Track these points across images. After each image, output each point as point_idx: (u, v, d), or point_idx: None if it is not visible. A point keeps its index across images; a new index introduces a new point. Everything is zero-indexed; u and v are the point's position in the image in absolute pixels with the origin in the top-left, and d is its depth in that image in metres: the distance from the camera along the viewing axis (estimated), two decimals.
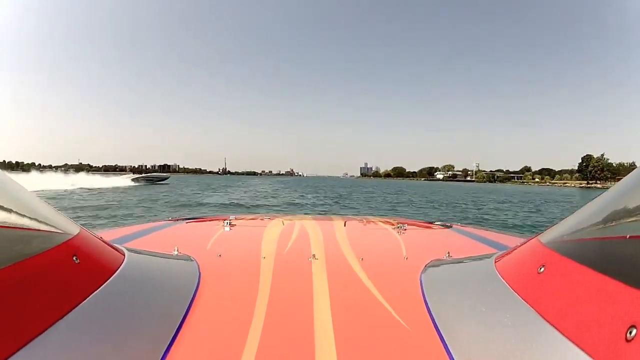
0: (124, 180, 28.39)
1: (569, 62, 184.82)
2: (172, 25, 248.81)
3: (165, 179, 34.38)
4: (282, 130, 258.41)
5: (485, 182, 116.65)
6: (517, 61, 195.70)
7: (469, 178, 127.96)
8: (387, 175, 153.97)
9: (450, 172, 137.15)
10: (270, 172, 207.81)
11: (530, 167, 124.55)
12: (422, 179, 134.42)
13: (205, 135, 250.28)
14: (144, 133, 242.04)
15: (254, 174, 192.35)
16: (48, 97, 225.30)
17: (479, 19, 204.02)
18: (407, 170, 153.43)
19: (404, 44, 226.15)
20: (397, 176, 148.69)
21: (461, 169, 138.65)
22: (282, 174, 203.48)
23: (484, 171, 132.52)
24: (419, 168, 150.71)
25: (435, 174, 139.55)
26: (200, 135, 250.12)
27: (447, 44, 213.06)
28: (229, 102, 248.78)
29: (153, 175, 34.88)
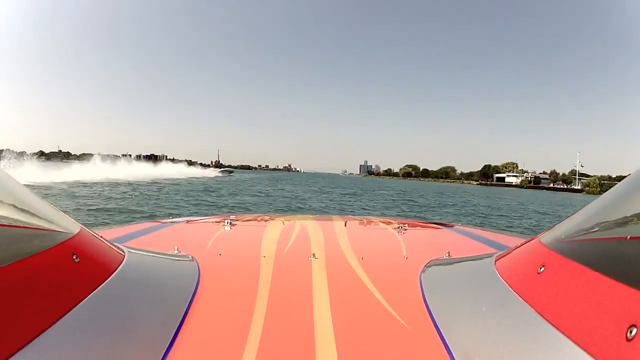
0: (214, 172, 46.24)
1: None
2: (163, 13, 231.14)
3: (232, 172, 57.60)
4: (280, 126, 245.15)
5: (598, 192, 78.14)
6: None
7: (556, 185, 78.48)
8: (407, 174, 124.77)
9: (530, 176, 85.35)
10: (267, 166, 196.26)
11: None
12: (473, 182, 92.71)
13: (197, 126, 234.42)
14: (127, 119, 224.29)
15: (249, 168, 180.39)
16: (16, 76, 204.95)
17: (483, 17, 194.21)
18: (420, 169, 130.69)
19: (406, 41, 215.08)
20: (420, 176, 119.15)
21: (518, 169, 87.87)
22: (280, 169, 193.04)
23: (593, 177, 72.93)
24: (426, 167, 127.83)
25: (500, 175, 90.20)
26: (192, 126, 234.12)
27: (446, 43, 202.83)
28: (224, 95, 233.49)
29: (228, 169, 61.00)
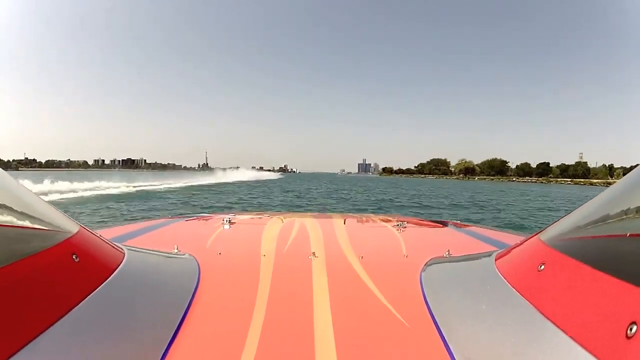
0: (277, 175, 76.03)
1: None
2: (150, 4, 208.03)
3: (284, 173, 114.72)
4: (274, 126, 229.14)
5: None
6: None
7: None
8: (468, 170, 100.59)
9: None
10: (262, 168, 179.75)
11: None
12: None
13: (181, 128, 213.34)
14: (103, 123, 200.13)
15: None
16: None
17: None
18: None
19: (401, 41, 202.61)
20: (498, 173, 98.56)
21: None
22: (276, 170, 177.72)
23: None
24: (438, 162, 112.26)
25: None
26: (175, 128, 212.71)
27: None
28: (212, 95, 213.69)
29: (281, 172, 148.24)
